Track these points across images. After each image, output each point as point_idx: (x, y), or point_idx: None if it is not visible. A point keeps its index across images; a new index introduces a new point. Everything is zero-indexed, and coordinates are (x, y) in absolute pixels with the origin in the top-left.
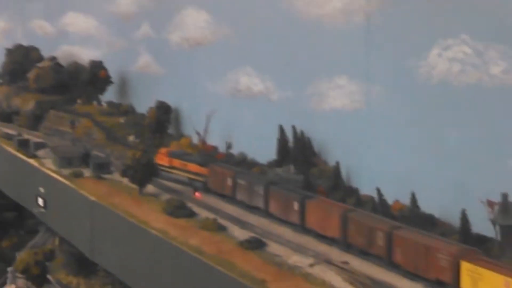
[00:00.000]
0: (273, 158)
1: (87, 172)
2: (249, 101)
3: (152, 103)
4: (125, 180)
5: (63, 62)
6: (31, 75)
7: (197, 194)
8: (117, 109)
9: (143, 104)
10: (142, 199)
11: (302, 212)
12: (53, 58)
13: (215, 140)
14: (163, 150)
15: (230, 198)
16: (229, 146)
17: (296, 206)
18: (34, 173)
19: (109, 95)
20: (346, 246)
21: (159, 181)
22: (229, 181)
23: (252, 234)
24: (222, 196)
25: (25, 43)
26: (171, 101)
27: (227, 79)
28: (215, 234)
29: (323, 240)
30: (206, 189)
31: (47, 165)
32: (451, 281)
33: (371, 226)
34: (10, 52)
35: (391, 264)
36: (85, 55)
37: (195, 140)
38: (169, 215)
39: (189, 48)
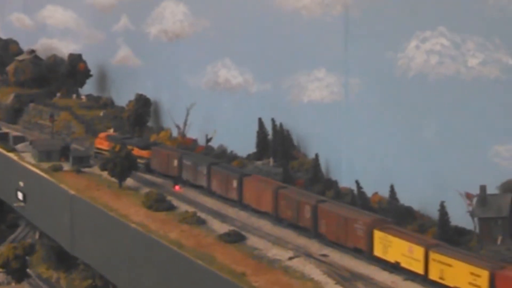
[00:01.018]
0: (253, 151)
1: (66, 166)
2: (228, 93)
3: (132, 96)
4: (105, 174)
5: (42, 55)
6: (10, 68)
7: (176, 187)
8: (96, 102)
9: (123, 97)
10: (122, 192)
11: (240, 189)
12: (32, 51)
13: (195, 133)
14: (102, 134)
15: (177, 178)
16: (208, 139)
17: (235, 183)
18: (13, 167)
19: (88, 88)
20: (278, 220)
21: (138, 174)
22: (175, 162)
23: (232, 228)
24: (166, 176)
25: (3, 36)
26: (150, 94)
27: (206, 71)
28: (194, 228)
29: (297, 230)
30: (149, 170)
31: (27, 158)
32: (366, 248)
33: (299, 200)
34: None
35: (317, 235)
36: (64, 48)
37: (175, 133)
38: (148, 209)
39: (168, 41)
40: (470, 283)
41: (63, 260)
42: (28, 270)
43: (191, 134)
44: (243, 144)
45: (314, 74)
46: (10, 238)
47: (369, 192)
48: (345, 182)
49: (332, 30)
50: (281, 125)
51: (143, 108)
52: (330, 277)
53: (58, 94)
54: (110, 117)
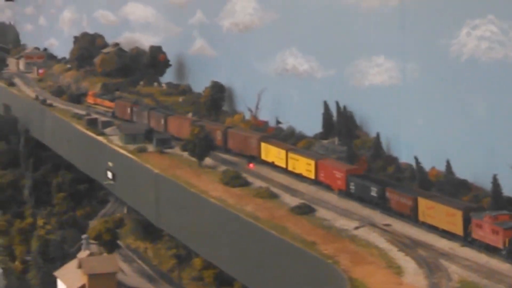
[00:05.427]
0: (319, 131)
1: (150, 148)
2: (296, 79)
3: (207, 83)
4: (185, 154)
5: (125, 47)
6: (97, 60)
7: (250, 165)
8: (175, 89)
9: (199, 84)
10: (201, 171)
11: (166, 125)
12: (116, 44)
13: (266, 115)
14: (91, 92)
15: (130, 121)
16: (279, 121)
17: (162, 121)
18: (103, 149)
19: (168, 76)
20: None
21: (215, 154)
22: (128, 110)
23: (302, 201)
24: (122, 120)
25: (90, 31)
26: (224, 81)
27: (275, 60)
28: (268, 201)
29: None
30: (114, 117)
31: (114, 141)
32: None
33: (213, 128)
34: (77, 39)
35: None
36: (145, 40)
37: (248, 116)
38: (226, 185)
39: (239, 33)
40: None
41: (149, 232)
42: (118, 241)
43: (262, 116)
44: (310, 125)
45: (374, 60)
46: (101, 213)
47: (427, 167)
48: (405, 158)
49: (389, 20)
50: (344, 107)
51: (218, 94)
52: (393, 244)
53: (141, 83)
54: (189, 103)
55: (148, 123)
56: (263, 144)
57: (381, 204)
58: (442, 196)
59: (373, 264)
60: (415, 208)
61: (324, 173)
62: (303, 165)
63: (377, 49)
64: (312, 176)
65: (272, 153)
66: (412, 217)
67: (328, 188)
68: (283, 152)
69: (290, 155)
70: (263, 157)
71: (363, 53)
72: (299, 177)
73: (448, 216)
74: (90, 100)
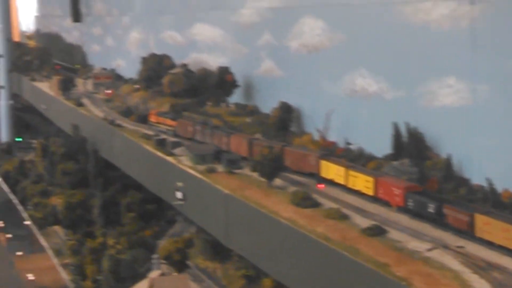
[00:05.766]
0: (389, 152)
1: (219, 168)
2: (365, 100)
3: (275, 104)
4: (254, 175)
5: (193, 68)
6: (164, 80)
7: (319, 186)
8: (243, 109)
9: (267, 105)
10: (271, 191)
11: (228, 143)
12: (184, 65)
13: (334, 136)
14: (153, 111)
15: (194, 140)
16: (348, 143)
17: (224, 139)
18: (172, 169)
19: (235, 97)
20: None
21: (284, 174)
22: (190, 128)
23: (373, 222)
24: (186, 139)
25: (157, 51)
26: (292, 102)
27: (344, 80)
28: (339, 222)
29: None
30: (176, 135)
31: (184, 161)
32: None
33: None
34: (145, 60)
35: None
36: (213, 61)
37: (316, 136)
38: (296, 206)
39: (308, 53)
40: None
41: (218, 252)
42: (187, 261)
43: (331, 137)
44: (379, 146)
45: (444, 81)
46: (169, 232)
47: (499, 189)
48: (477, 179)
49: (460, 41)
50: (415, 128)
51: (287, 114)
52: (467, 266)
53: (209, 103)
54: (256, 123)
55: (210, 141)
56: (323, 162)
57: (438, 220)
58: (499, 213)
59: (447, 287)
60: (472, 224)
61: (383, 189)
62: (362, 182)
63: (447, 70)
64: (371, 193)
65: (332, 170)
66: (469, 232)
67: (387, 204)
68: (342, 169)
69: (350, 172)
70: (323, 174)
71: (433, 74)
72: (359, 193)
73: (504, 232)
74: (152, 119)
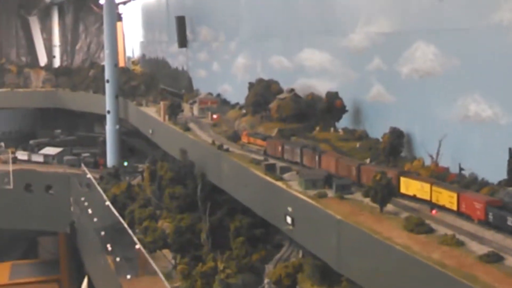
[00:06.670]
0: (504, 178)
1: (330, 193)
2: (478, 125)
3: (384, 129)
4: (366, 200)
5: (300, 93)
6: (272, 105)
7: (433, 211)
8: (352, 135)
9: (376, 130)
10: (383, 217)
11: (319, 163)
12: (291, 90)
13: (446, 162)
14: (245, 132)
15: (280, 158)
16: (461, 167)
17: (316, 158)
18: (281, 194)
19: (344, 122)
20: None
21: (396, 200)
22: (280, 148)
23: (490, 249)
24: (275, 158)
25: (265, 77)
26: (403, 127)
27: (456, 105)
28: (454, 249)
29: None
30: (266, 155)
31: (294, 186)
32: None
33: (347, 164)
34: (252, 85)
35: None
36: (321, 86)
37: (427, 162)
38: (409, 231)
39: (419, 79)
40: None
41: (327, 277)
42: (297, 286)
43: (442, 163)
44: (493, 171)
45: None
46: (276, 257)
47: None
48: None
49: None
50: None
51: (397, 140)
52: None
53: (317, 128)
54: (366, 148)
55: (300, 160)
56: (402, 179)
57: None
58: None
59: None
60: None
61: (465, 204)
62: (446, 198)
63: None
64: (455, 208)
65: (413, 186)
66: None
67: (469, 218)
68: (427, 185)
69: (434, 188)
70: (402, 190)
71: None
72: (443, 208)
73: None
74: (244, 139)
